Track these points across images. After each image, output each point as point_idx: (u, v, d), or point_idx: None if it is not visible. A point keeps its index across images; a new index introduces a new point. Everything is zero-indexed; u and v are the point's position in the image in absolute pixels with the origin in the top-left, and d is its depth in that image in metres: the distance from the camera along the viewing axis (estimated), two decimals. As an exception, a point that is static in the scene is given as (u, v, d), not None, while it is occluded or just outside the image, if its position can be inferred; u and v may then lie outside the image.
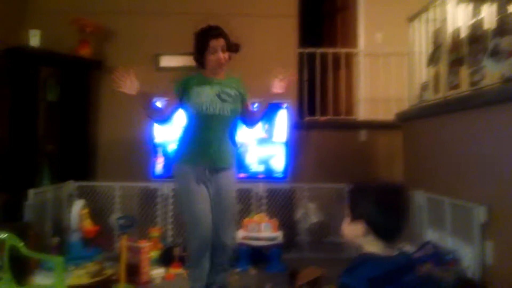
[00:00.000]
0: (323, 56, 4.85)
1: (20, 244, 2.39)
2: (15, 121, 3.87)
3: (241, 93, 2.70)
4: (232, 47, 2.72)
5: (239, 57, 4.39)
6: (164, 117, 2.66)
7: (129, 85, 2.48)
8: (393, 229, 1.34)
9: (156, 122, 2.83)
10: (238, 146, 2.86)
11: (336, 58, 4.94)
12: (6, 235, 2.38)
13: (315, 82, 4.82)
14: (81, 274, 2.87)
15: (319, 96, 4.82)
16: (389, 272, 1.29)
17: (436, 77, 3.47)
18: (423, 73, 3.78)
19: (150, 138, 4.12)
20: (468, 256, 2.74)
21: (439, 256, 2.85)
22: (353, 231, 1.36)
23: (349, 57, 5.00)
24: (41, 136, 4.02)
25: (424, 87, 3.72)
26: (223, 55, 2.60)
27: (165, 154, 4.09)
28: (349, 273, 1.28)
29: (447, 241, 3.02)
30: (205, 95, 2.58)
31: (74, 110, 4.32)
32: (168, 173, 4.05)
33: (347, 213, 1.40)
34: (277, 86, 2.64)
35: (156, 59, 4.60)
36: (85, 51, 4.39)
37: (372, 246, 1.34)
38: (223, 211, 2.62)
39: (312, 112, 4.80)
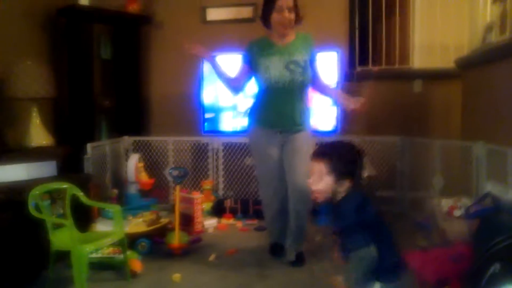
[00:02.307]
0: (376, 1, 4.57)
1: (80, 194, 2.53)
2: (73, 79, 4.01)
3: (310, 56, 2.67)
4: (299, 13, 2.64)
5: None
6: (236, 86, 2.71)
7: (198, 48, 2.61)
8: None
9: (230, 90, 2.77)
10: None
11: (389, 3, 4.64)
12: (67, 185, 2.52)
13: (368, 29, 4.58)
14: (138, 223, 3.01)
15: (371, 44, 4.59)
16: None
17: (503, 16, 3.17)
18: (487, 13, 3.47)
19: (200, 94, 4.14)
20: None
21: (500, 209, 2.72)
22: (338, 189, 1.61)
23: (403, 1, 4.68)
24: (97, 93, 4.16)
25: (488, 29, 3.43)
26: (288, 16, 2.53)
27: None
28: (348, 208, 1.57)
29: (509, 194, 2.87)
30: (274, 67, 2.59)
31: (127, 66, 4.41)
32: (217, 128, 4.10)
33: (327, 175, 1.59)
34: (351, 103, 2.65)
35: (203, 12, 4.54)
36: (134, 7, 4.41)
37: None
38: (293, 156, 2.63)
39: (363, 61, 4.60)
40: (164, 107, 4.64)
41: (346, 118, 3.92)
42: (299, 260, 2.72)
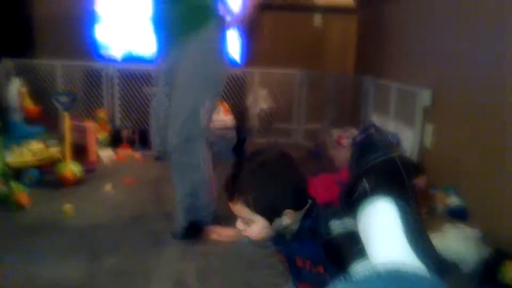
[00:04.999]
0: None
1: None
2: None
3: None
4: None
5: None
6: None
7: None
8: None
9: None
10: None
11: None
12: None
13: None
14: (23, 153, 2.79)
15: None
16: None
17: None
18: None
19: (93, 12, 3.78)
20: (409, 139, 2.87)
21: (379, 137, 2.96)
22: (283, 225, 1.14)
23: None
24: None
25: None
26: None
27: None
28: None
29: (390, 125, 3.14)
30: None
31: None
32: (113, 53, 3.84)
33: (257, 218, 1.13)
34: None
35: None
36: None
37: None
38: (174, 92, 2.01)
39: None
40: (51, 26, 4.12)
41: (248, 50, 3.91)
42: (188, 233, 2.08)
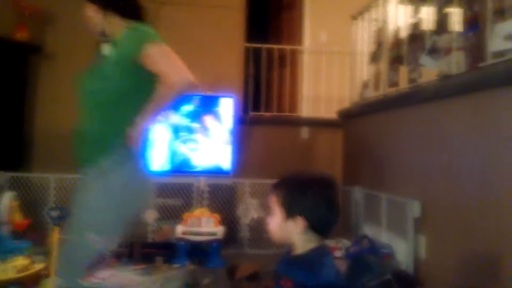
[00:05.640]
0: (269, 52, 4.87)
1: None
2: None
3: None
4: None
5: (184, 47, 4.33)
6: None
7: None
8: (331, 223, 1.31)
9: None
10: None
11: (282, 55, 4.99)
12: None
13: (261, 77, 4.84)
14: (7, 269, 2.69)
15: (264, 92, 4.84)
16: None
17: (377, 75, 3.59)
18: (364, 72, 3.90)
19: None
20: (402, 250, 2.85)
21: (375, 250, 2.95)
22: (288, 228, 1.29)
23: (294, 54, 5.06)
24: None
25: (365, 85, 3.83)
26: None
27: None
28: (311, 278, 1.23)
29: (383, 236, 3.13)
30: None
31: (8, 96, 4.05)
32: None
33: (278, 210, 1.30)
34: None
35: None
36: (22, 35, 4.13)
37: (310, 242, 1.29)
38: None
39: (256, 107, 4.82)
40: (50, 142, 4.28)
41: (239, 161, 4.02)
42: None
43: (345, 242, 3.31)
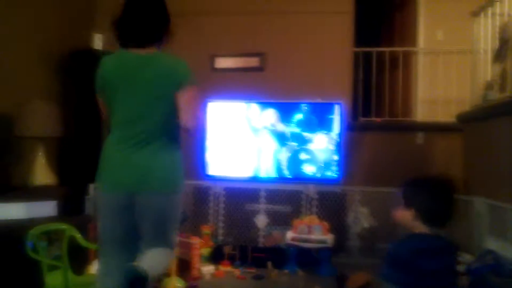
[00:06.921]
0: (380, 55, 4.71)
1: (78, 235, 2.52)
2: (81, 119, 4.06)
3: None
4: None
5: (292, 54, 4.39)
6: None
7: None
8: (441, 215, 1.65)
9: None
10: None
11: (393, 57, 4.78)
12: (65, 226, 2.52)
13: (371, 82, 4.70)
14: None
15: (375, 97, 4.69)
16: (431, 248, 1.61)
17: (503, 75, 3.28)
18: (487, 71, 3.58)
19: (203, 136, 4.19)
20: (534, 268, 2.56)
21: (500, 267, 2.68)
22: (404, 216, 1.68)
23: (407, 56, 4.83)
24: (104, 134, 4.21)
25: (488, 86, 3.52)
26: None
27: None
28: (396, 244, 1.65)
29: (510, 252, 2.84)
30: None
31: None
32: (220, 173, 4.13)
33: (400, 201, 1.70)
34: None
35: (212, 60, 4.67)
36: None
37: (420, 229, 1.65)
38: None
39: (367, 113, 4.68)
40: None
41: (348, 168, 3.95)
42: None
43: (467, 257, 3.06)
